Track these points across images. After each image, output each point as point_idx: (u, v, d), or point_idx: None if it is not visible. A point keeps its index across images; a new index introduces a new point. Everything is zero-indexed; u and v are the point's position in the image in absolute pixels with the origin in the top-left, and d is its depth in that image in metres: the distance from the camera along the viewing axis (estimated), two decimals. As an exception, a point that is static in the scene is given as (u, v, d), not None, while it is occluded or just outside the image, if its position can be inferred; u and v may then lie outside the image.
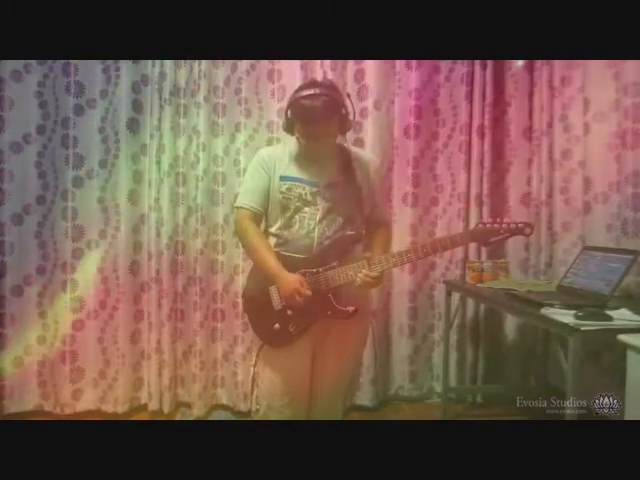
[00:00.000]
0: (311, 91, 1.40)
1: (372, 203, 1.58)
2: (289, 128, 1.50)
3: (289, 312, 1.46)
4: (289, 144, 1.58)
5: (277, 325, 1.47)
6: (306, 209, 1.48)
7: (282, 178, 1.50)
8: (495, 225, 1.42)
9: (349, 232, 1.49)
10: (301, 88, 1.45)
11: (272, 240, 1.53)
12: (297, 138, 1.49)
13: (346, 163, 1.53)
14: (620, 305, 1.56)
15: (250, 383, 1.60)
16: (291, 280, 1.42)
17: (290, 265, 1.46)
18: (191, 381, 2.36)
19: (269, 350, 1.53)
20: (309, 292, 1.41)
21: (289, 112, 1.46)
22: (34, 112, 2.23)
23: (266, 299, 1.49)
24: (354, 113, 1.49)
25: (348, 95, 1.49)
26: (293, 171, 1.51)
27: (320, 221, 1.47)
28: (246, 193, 1.55)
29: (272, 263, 1.45)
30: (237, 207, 1.57)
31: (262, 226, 1.58)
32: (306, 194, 1.48)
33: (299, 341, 1.48)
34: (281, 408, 1.51)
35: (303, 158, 1.52)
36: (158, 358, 2.31)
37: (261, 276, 1.51)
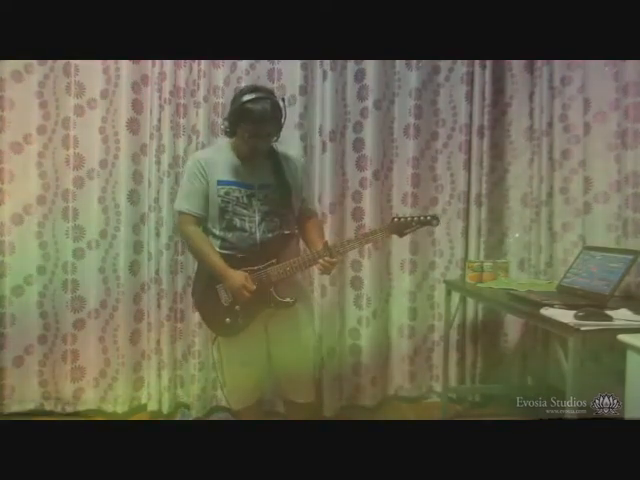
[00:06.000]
0: (255, 95, 1.51)
1: (301, 198, 1.73)
2: (232, 131, 1.60)
3: (237, 307, 1.61)
4: (223, 148, 1.68)
5: (228, 319, 1.62)
6: (244, 212, 1.61)
7: (219, 182, 1.61)
8: (408, 219, 1.65)
9: (285, 232, 1.65)
10: (243, 93, 1.54)
11: (216, 242, 1.64)
12: (235, 141, 1.61)
13: (276, 164, 1.65)
14: (620, 305, 1.56)
15: (216, 369, 1.78)
16: (238, 277, 1.57)
17: (234, 264, 1.59)
18: (190, 382, 2.36)
19: (224, 339, 1.69)
20: (254, 286, 1.56)
21: (235, 115, 1.54)
22: (35, 112, 2.23)
23: (215, 296, 1.63)
24: (285, 116, 1.58)
25: (282, 99, 1.59)
26: (229, 175, 1.62)
27: (259, 223, 1.61)
28: (187, 198, 1.65)
29: (219, 264, 1.59)
30: (179, 212, 1.67)
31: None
32: (242, 197, 1.61)
33: (250, 327, 1.63)
34: (243, 382, 1.72)
35: (238, 162, 1.63)
36: (157, 358, 2.31)
37: (207, 276, 1.65)
